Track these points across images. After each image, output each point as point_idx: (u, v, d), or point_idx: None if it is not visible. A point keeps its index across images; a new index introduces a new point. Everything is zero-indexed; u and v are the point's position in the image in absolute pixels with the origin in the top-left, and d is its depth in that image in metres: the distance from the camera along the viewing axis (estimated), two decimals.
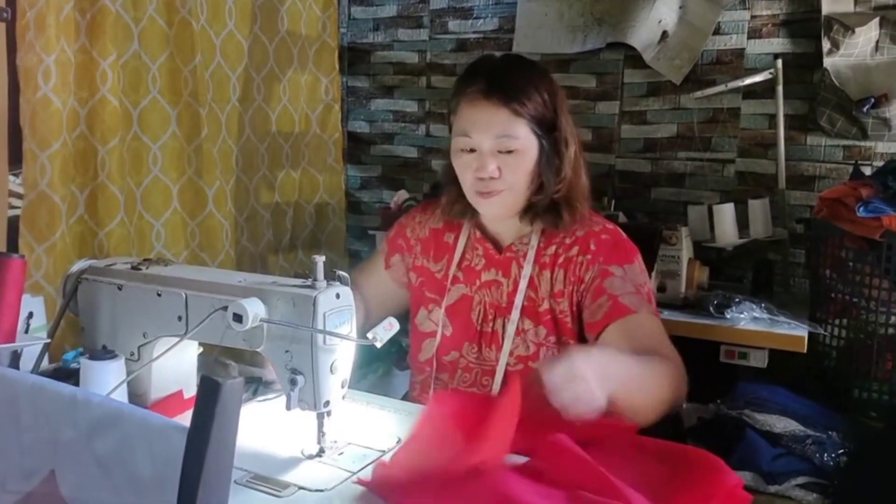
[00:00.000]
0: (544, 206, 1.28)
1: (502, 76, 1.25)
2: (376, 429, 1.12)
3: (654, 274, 1.93)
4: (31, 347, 1.18)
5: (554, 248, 1.30)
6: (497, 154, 1.24)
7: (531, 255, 1.30)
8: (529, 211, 1.30)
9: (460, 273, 1.37)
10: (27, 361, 1.21)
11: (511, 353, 1.29)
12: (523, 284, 1.30)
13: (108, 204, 1.85)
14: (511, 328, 1.29)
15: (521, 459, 0.94)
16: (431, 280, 1.39)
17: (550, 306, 1.29)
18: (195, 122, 2.11)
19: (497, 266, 1.34)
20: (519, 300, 1.29)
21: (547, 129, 1.26)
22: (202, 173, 2.14)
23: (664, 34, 2.37)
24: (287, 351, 1.00)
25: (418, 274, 1.42)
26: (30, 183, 1.67)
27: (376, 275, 1.46)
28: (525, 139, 1.24)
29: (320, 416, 1.03)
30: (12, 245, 1.66)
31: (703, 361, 1.99)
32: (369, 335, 1.03)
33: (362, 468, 0.99)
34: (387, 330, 1.04)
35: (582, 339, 1.28)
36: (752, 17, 2.29)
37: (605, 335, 1.21)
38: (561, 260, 1.29)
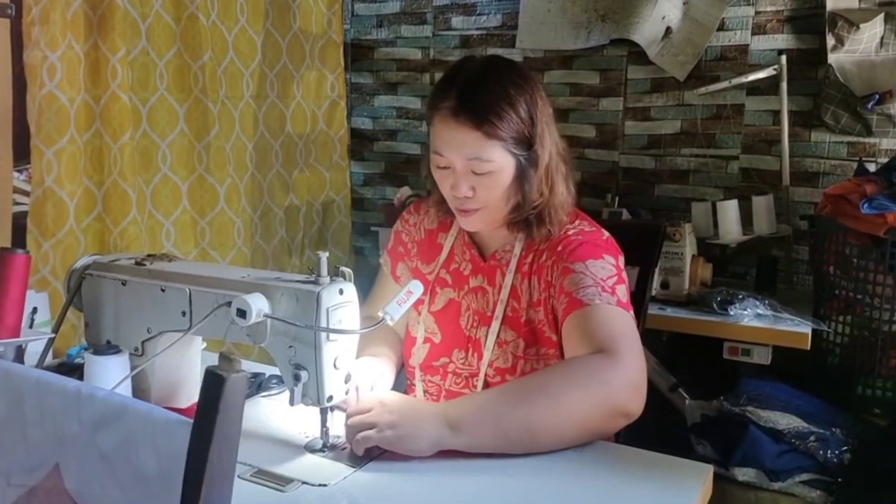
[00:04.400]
0: (522, 220, 1.24)
1: (474, 92, 1.15)
2: None
3: (657, 271, 1.93)
4: (36, 342, 1.19)
5: (532, 255, 1.26)
6: (471, 174, 1.18)
7: (513, 263, 1.26)
8: (513, 222, 1.25)
9: (448, 276, 1.34)
10: (31, 356, 1.21)
11: (490, 364, 1.25)
12: (505, 294, 1.25)
13: (122, 202, 1.85)
14: (490, 339, 1.25)
15: None
16: (423, 282, 1.36)
17: (529, 316, 1.24)
18: (205, 119, 2.10)
19: (483, 273, 1.30)
20: (500, 310, 1.25)
21: (525, 145, 1.18)
22: (213, 170, 2.14)
23: (668, 30, 2.37)
24: (291, 346, 1.00)
25: (415, 276, 1.39)
26: (37, 179, 1.68)
27: (388, 293, 1.36)
28: (499, 160, 1.16)
29: (324, 412, 1.03)
30: (18, 241, 1.67)
31: (706, 358, 2.00)
32: (380, 313, 1.03)
33: (365, 463, 0.99)
34: (399, 304, 1.03)
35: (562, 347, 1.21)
36: (757, 12, 2.29)
37: (563, 332, 1.15)
38: (535, 267, 1.24)
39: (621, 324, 1.11)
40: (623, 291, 1.16)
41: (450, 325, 1.32)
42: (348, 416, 1.03)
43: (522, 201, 1.21)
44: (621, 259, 1.22)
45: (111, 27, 1.79)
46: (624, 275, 1.19)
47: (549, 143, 1.21)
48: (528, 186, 1.20)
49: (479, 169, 1.17)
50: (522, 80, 1.19)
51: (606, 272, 1.16)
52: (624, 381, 1.03)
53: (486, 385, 1.25)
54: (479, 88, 1.16)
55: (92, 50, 1.79)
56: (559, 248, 1.22)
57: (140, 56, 1.94)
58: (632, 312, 1.16)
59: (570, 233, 1.24)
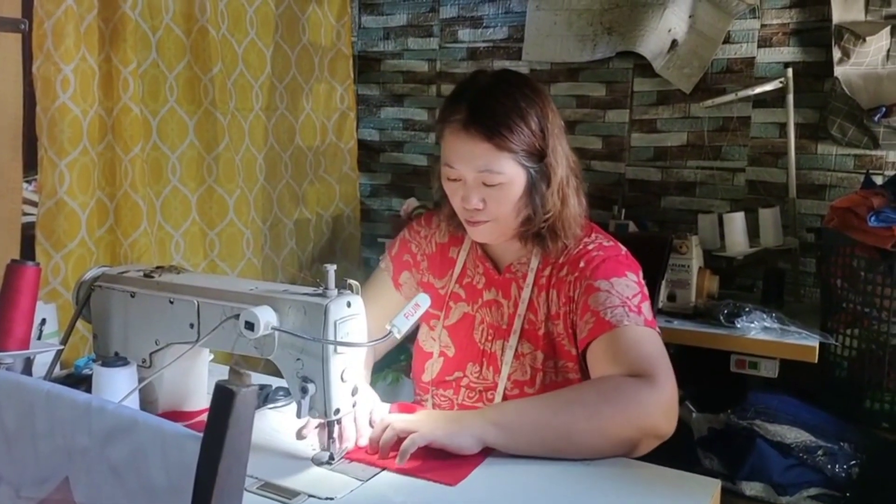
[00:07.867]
0: (534, 234, 1.24)
1: (485, 105, 1.17)
2: None
3: (663, 283, 1.93)
4: (44, 354, 1.19)
5: (549, 269, 1.25)
6: (481, 186, 1.18)
7: (531, 277, 1.26)
8: (525, 235, 1.25)
9: (462, 291, 1.33)
10: (39, 368, 1.22)
11: (509, 377, 1.24)
12: (522, 308, 1.25)
13: (132, 214, 1.85)
14: (509, 353, 1.25)
15: None
16: (436, 297, 1.34)
17: (548, 329, 1.24)
18: (214, 131, 2.11)
19: (497, 286, 1.30)
20: (518, 324, 1.25)
21: (536, 157, 1.18)
22: (222, 182, 2.14)
23: (674, 43, 2.37)
24: (298, 359, 1.01)
25: (424, 290, 1.37)
26: (47, 191, 1.68)
27: (385, 299, 1.35)
28: (510, 173, 1.17)
29: (331, 424, 1.03)
30: (26, 252, 1.68)
31: (713, 371, 1.99)
32: (387, 326, 1.03)
33: (372, 476, 0.99)
34: (407, 318, 1.03)
35: (581, 361, 1.21)
36: (763, 25, 2.29)
37: (590, 353, 1.16)
38: (554, 281, 1.24)
39: (652, 345, 1.13)
40: (648, 309, 1.18)
41: (463, 339, 1.32)
42: (382, 423, 1.06)
43: (533, 214, 1.21)
44: (640, 273, 1.23)
45: (123, 39, 1.80)
46: (645, 290, 1.21)
47: (560, 156, 1.21)
48: (538, 199, 1.20)
49: (489, 181, 1.18)
50: (533, 93, 1.20)
51: (631, 290, 1.18)
52: (660, 404, 1.06)
53: (505, 398, 1.25)
54: (490, 101, 1.17)
55: (104, 62, 1.80)
56: (581, 265, 1.22)
57: (150, 68, 1.95)
58: (658, 329, 1.17)
59: (589, 248, 1.24)
